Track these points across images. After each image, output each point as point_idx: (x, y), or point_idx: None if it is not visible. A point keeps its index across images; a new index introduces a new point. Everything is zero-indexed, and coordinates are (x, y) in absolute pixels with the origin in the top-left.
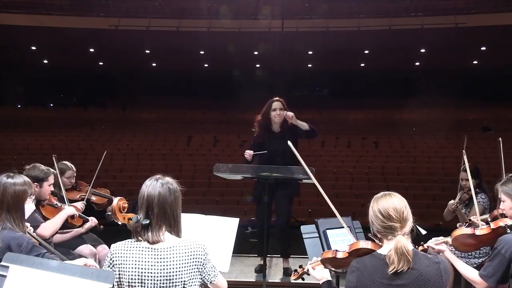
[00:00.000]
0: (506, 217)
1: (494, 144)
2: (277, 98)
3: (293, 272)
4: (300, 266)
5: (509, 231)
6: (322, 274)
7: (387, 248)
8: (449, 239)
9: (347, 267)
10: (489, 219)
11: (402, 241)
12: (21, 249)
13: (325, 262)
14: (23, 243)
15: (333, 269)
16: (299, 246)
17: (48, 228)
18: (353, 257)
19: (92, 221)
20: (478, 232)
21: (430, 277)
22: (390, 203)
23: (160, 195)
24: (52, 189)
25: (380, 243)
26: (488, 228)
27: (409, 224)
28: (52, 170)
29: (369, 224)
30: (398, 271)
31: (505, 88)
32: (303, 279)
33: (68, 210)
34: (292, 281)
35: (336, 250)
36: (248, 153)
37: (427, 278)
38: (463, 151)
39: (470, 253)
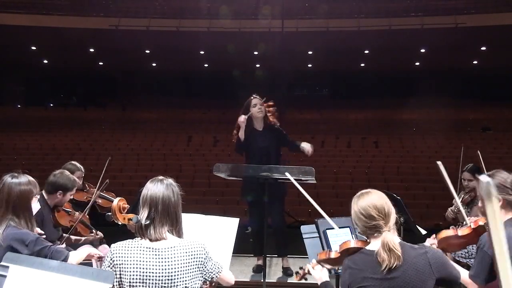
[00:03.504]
0: None
1: (494, 144)
2: (255, 95)
3: (295, 274)
4: (301, 268)
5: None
6: (320, 274)
7: (375, 244)
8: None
9: (341, 265)
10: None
11: (388, 237)
12: (25, 244)
13: (321, 262)
14: (28, 238)
15: (329, 267)
16: (298, 246)
17: (73, 260)
18: (344, 256)
19: (99, 236)
20: (460, 232)
21: (419, 267)
22: (369, 201)
23: (165, 194)
24: (71, 197)
25: (368, 240)
26: (469, 228)
27: (393, 217)
28: (78, 181)
29: None
30: (392, 268)
31: (505, 88)
32: (305, 279)
33: (91, 249)
34: (296, 281)
35: (330, 250)
36: (243, 117)
37: (416, 268)
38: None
39: (471, 253)
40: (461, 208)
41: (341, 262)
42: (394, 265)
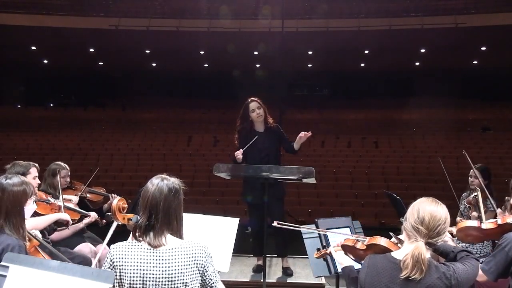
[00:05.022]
0: None
1: (494, 144)
2: (252, 99)
3: (316, 250)
4: (324, 247)
5: None
6: (344, 258)
7: (403, 251)
8: (453, 229)
9: (363, 258)
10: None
11: (421, 248)
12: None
13: (345, 248)
14: (14, 251)
15: (351, 256)
16: (298, 246)
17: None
18: (370, 251)
19: (92, 216)
20: (484, 226)
21: None
22: (431, 209)
23: (166, 199)
24: (38, 182)
25: (399, 244)
26: (495, 223)
27: (438, 238)
28: (32, 163)
29: (368, 224)
30: (410, 277)
31: (505, 88)
32: (324, 259)
33: (62, 214)
34: (316, 258)
35: (357, 240)
36: (240, 152)
37: None
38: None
39: (478, 254)
40: (481, 205)
41: (364, 256)
42: (413, 278)
